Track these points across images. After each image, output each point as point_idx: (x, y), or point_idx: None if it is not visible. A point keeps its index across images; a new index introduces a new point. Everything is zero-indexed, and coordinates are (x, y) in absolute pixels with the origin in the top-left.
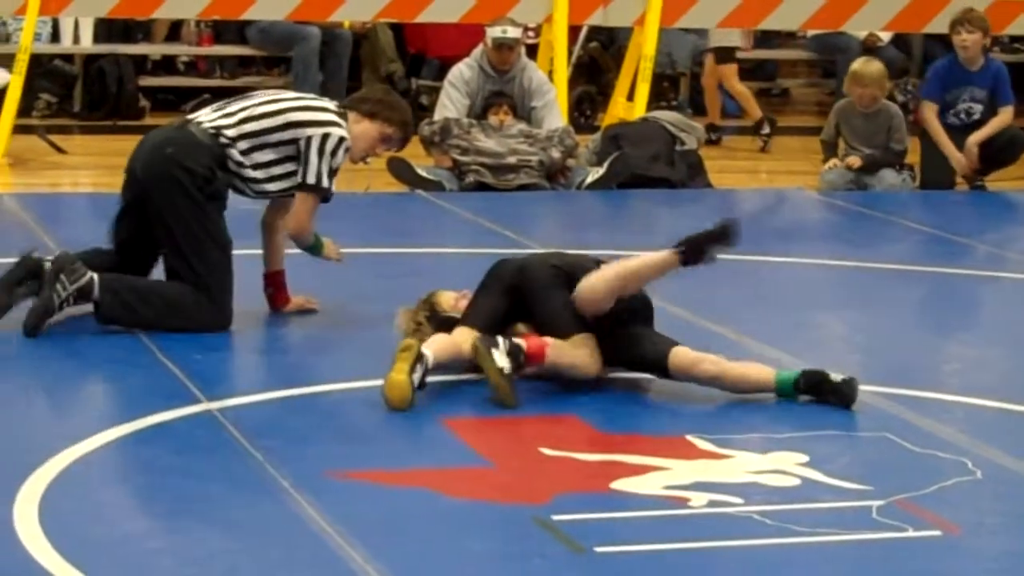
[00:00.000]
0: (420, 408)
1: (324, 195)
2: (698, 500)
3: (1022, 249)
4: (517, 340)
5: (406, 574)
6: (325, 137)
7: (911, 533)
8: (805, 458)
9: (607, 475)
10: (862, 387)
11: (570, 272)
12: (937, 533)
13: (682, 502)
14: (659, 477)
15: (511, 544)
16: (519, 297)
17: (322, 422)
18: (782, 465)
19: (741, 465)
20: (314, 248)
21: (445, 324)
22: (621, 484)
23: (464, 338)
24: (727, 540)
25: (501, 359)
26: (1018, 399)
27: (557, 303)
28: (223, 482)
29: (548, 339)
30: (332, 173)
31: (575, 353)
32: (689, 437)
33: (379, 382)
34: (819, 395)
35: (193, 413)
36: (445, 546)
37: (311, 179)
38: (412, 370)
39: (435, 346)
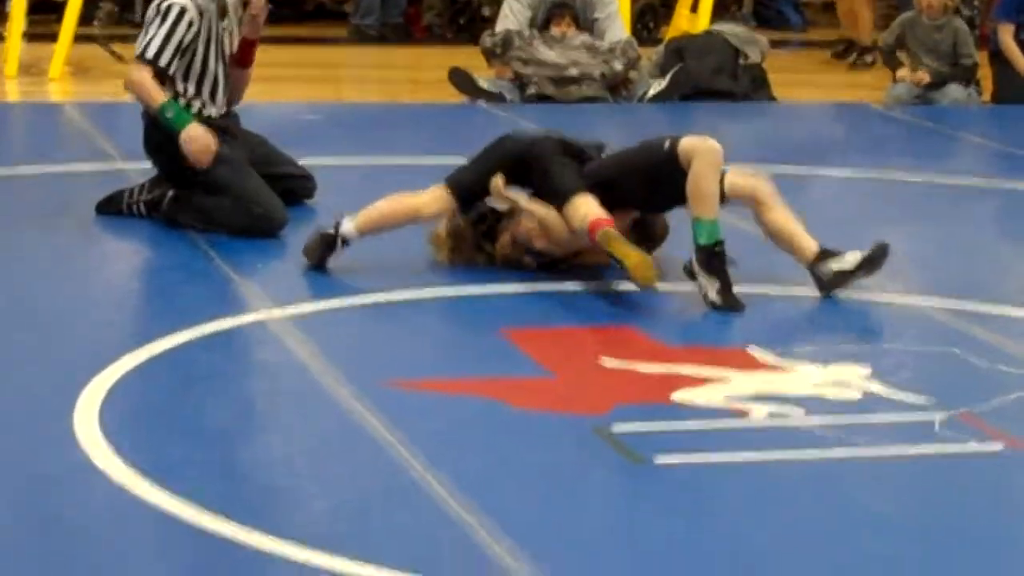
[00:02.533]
0: (479, 318)
1: (154, 67)
2: (759, 412)
3: None
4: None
5: (466, 483)
6: (159, 5)
7: (973, 447)
8: (868, 371)
9: (668, 386)
10: (928, 302)
11: (579, 151)
12: (999, 447)
13: (743, 414)
14: (720, 388)
15: (571, 455)
16: (523, 171)
17: (382, 332)
18: (844, 377)
19: (803, 377)
20: (170, 121)
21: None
22: (682, 395)
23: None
24: (787, 452)
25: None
26: None
27: (570, 170)
28: (283, 391)
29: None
30: (166, 42)
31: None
32: (750, 349)
33: (440, 292)
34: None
35: (253, 321)
36: (505, 456)
37: (138, 50)
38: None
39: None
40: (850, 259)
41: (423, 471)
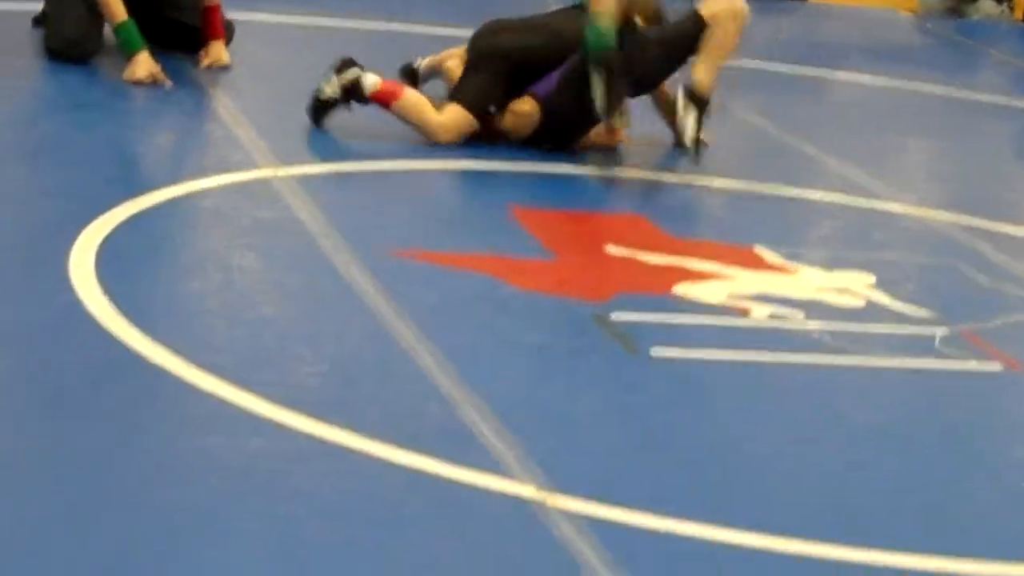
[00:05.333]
0: (487, 193)
1: None
2: (760, 312)
3: None
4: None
5: (457, 359)
6: None
7: (971, 365)
8: (873, 279)
9: (671, 278)
10: (939, 216)
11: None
12: (998, 367)
13: (743, 312)
14: (723, 285)
15: (566, 339)
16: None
17: (387, 199)
18: (848, 284)
19: (807, 280)
20: (121, 42)
21: None
22: (683, 289)
23: None
24: (784, 355)
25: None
26: None
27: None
28: (280, 252)
29: (407, 90)
30: None
31: (430, 115)
32: (757, 248)
33: (450, 165)
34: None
35: (258, 178)
36: (499, 335)
37: None
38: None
39: None
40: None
41: (414, 343)
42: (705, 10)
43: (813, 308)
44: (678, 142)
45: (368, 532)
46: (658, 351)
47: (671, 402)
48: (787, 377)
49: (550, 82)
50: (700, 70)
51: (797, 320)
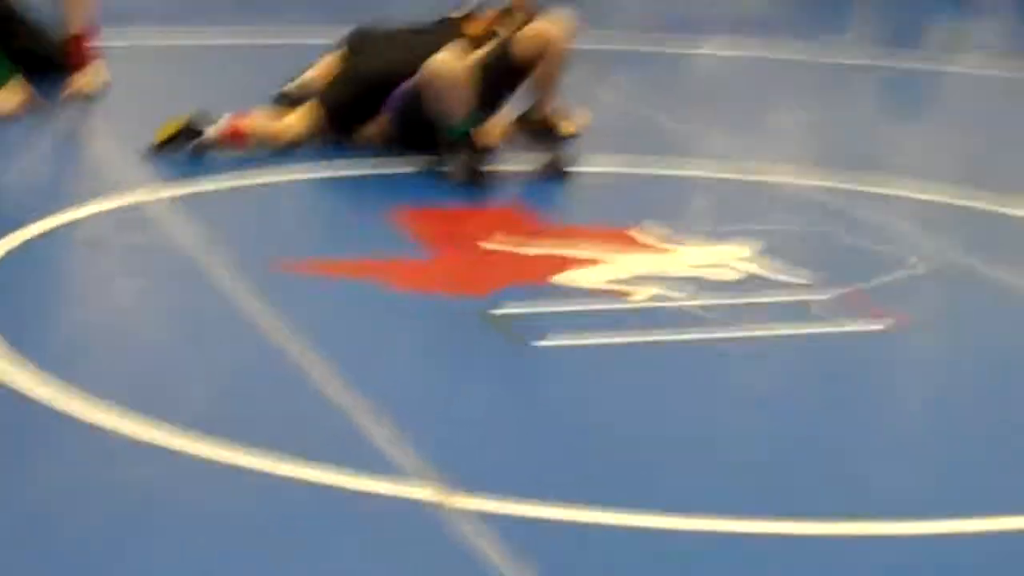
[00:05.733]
0: (365, 198)
1: None
2: (640, 293)
3: (977, 41)
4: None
5: (345, 365)
6: None
7: (854, 326)
8: (748, 252)
9: (550, 267)
10: (811, 181)
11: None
12: (879, 327)
13: (624, 295)
14: (602, 270)
15: (453, 337)
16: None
17: (264, 213)
18: (725, 259)
19: (684, 258)
20: None
21: None
22: (564, 277)
23: None
24: (668, 333)
25: None
26: (966, 194)
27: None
28: (160, 275)
29: (246, 122)
30: None
31: (281, 126)
32: (635, 229)
33: (319, 175)
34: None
35: (132, 203)
36: (386, 339)
37: None
38: None
39: None
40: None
41: (303, 355)
42: (516, 49)
43: (693, 285)
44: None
45: (270, 547)
46: (543, 341)
47: (560, 390)
48: (673, 355)
49: (394, 101)
50: (534, 106)
51: (678, 298)
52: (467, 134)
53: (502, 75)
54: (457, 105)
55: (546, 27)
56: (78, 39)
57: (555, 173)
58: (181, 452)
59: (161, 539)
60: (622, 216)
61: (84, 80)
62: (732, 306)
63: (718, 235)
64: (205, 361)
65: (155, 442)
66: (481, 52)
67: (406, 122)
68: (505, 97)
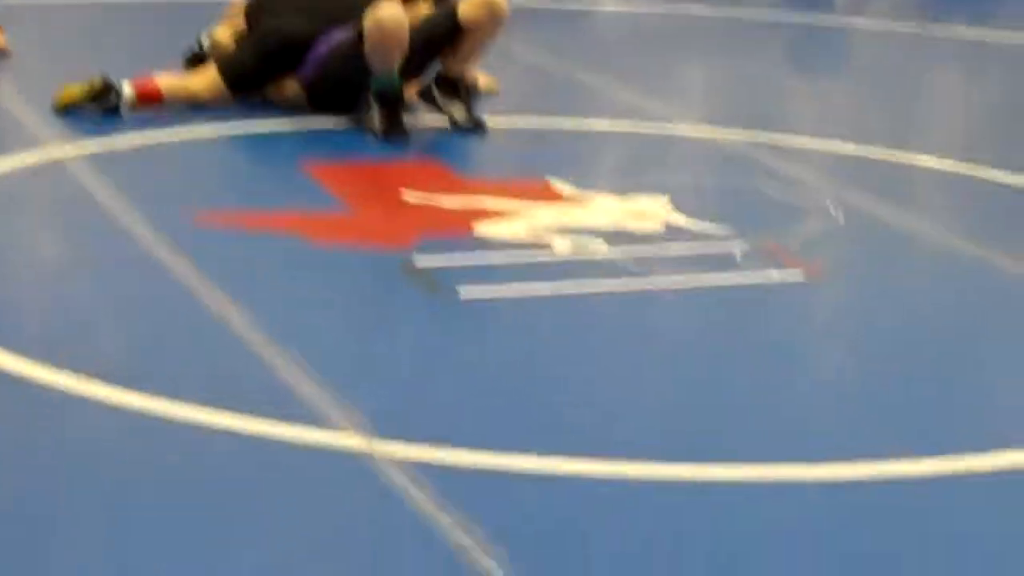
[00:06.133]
0: (281, 153)
1: None
2: (561, 244)
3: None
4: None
5: (267, 318)
6: None
7: (773, 276)
8: (668, 202)
9: (469, 219)
10: (725, 135)
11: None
12: (799, 277)
13: (545, 246)
14: (522, 221)
15: (374, 290)
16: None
17: (181, 169)
18: (644, 208)
19: (603, 209)
20: None
21: None
22: (484, 228)
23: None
24: (590, 283)
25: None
26: (877, 143)
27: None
28: (79, 231)
29: (160, 81)
30: None
31: (193, 85)
32: (552, 181)
33: (233, 131)
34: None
35: (47, 160)
36: (307, 291)
37: None
38: None
39: None
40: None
41: (224, 308)
42: (464, 12)
43: (613, 235)
44: (454, 124)
45: (200, 500)
46: (466, 292)
47: (484, 341)
48: (595, 306)
49: (315, 63)
50: (460, 66)
51: (599, 249)
52: (395, 87)
53: (443, 34)
54: (393, 58)
55: None
56: None
57: (476, 127)
58: (108, 406)
59: (93, 494)
60: (538, 170)
61: None
62: (655, 256)
63: (635, 187)
64: (127, 316)
65: (81, 394)
66: (424, 9)
67: (330, 77)
68: (436, 56)
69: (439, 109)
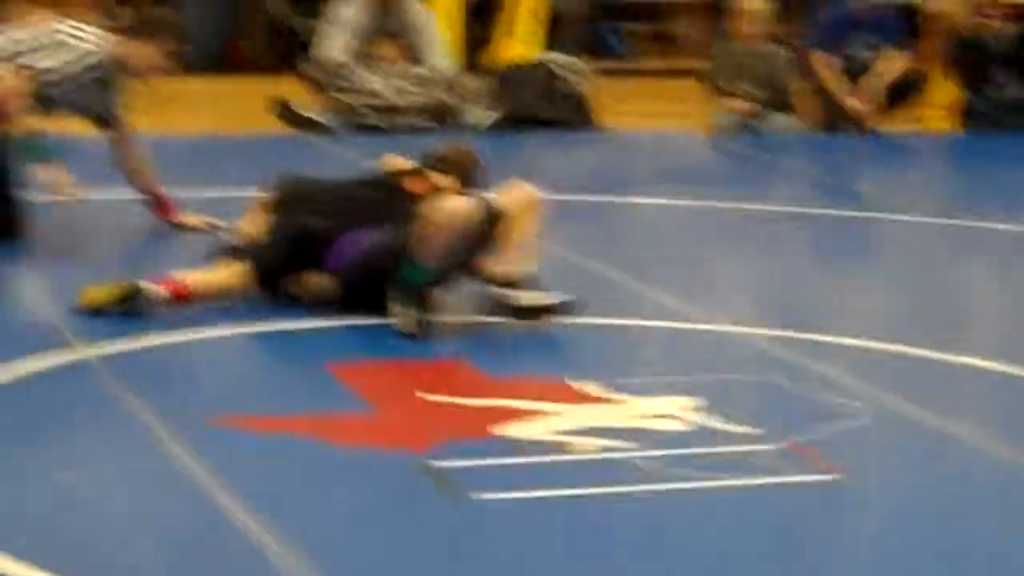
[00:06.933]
0: (303, 352)
1: None
2: (583, 446)
3: (911, 191)
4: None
5: (285, 525)
6: None
7: (802, 478)
8: (694, 402)
9: (491, 420)
10: (751, 331)
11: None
12: (827, 478)
13: (568, 448)
14: (543, 422)
15: (393, 494)
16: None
17: (200, 369)
18: (671, 410)
19: (629, 410)
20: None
21: None
22: (505, 430)
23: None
24: (615, 487)
25: None
26: (908, 341)
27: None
28: (96, 434)
29: (189, 279)
30: None
31: (219, 280)
32: (575, 381)
33: (260, 327)
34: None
35: (65, 361)
36: (327, 498)
37: None
38: None
39: None
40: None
41: (242, 516)
42: (503, 201)
43: (638, 437)
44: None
45: None
46: (483, 495)
47: (504, 547)
48: (619, 509)
49: (351, 255)
50: (504, 263)
51: (622, 450)
52: (428, 283)
53: (480, 231)
54: (441, 252)
55: (528, 186)
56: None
57: (531, 315)
58: None
59: None
60: (565, 367)
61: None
62: (681, 457)
63: (662, 386)
64: (144, 520)
65: None
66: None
67: (370, 273)
68: (477, 254)
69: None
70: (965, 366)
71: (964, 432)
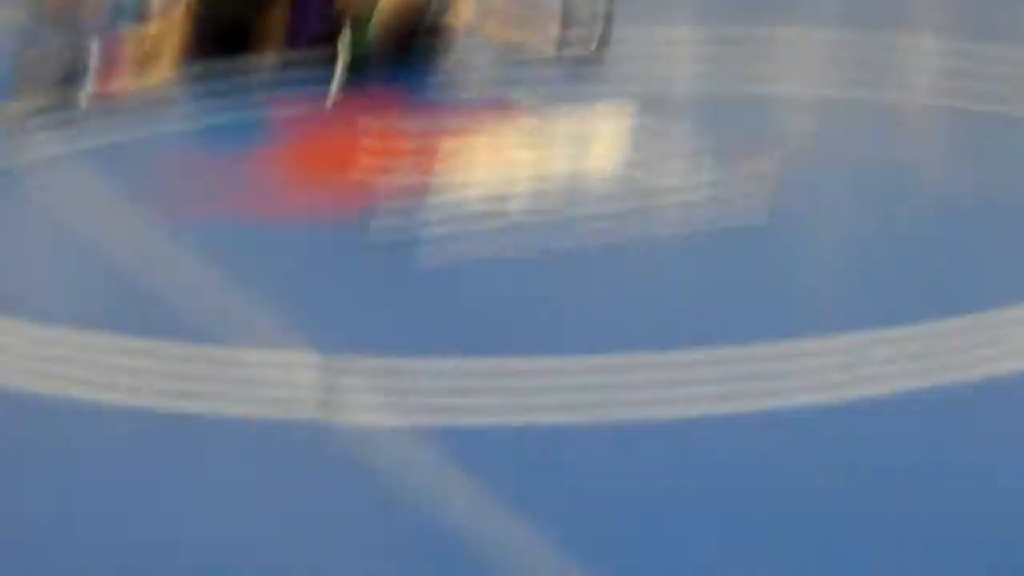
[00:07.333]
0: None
1: None
2: (517, 202)
3: None
4: None
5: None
6: None
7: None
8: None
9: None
10: None
11: None
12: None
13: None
14: (479, 173)
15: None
16: None
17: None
18: (599, 141)
19: (559, 153)
20: None
21: None
22: (441, 189)
23: None
24: (548, 240)
25: None
26: None
27: None
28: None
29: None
30: None
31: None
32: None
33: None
34: None
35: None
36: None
37: None
38: None
39: None
40: None
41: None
42: None
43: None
44: None
45: None
46: (422, 254)
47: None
48: (557, 260)
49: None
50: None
51: (555, 207)
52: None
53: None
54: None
55: None
56: None
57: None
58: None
59: None
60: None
61: None
62: (610, 214)
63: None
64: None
65: None
66: None
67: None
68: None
69: None
70: None
71: None
